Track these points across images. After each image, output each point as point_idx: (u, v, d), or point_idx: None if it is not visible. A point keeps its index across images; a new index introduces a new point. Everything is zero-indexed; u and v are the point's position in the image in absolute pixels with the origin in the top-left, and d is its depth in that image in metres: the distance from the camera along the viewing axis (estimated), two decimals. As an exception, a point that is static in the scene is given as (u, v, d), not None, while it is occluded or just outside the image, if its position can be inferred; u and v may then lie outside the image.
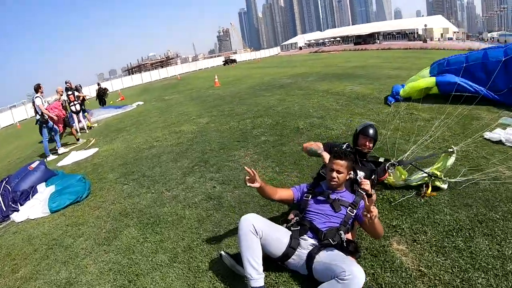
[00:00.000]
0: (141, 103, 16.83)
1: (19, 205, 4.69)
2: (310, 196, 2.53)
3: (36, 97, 7.75)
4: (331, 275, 1.92)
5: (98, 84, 19.59)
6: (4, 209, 4.58)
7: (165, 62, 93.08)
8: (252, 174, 2.28)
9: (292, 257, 2.24)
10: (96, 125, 12.12)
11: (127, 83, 48.88)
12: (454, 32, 68.03)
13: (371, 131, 3.15)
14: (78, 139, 9.18)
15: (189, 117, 9.28)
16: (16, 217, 4.46)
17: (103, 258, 3.03)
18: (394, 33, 70.05)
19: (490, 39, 57.26)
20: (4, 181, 5.04)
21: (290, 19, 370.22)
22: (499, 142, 4.44)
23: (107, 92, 18.04)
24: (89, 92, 22.78)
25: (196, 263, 2.68)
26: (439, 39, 59.63)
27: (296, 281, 2.28)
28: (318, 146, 3.15)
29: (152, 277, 2.60)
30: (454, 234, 2.60)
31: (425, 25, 64.26)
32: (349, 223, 2.39)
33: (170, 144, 6.64)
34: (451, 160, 3.35)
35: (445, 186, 3.33)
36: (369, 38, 66.92)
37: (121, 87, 43.21)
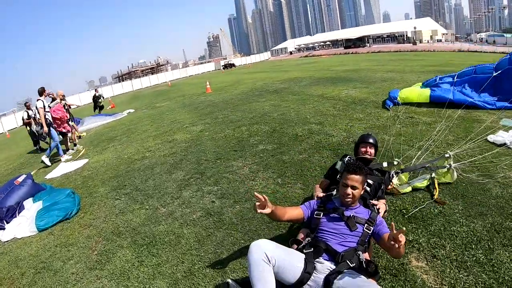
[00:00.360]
0: (132, 110, 16.53)
1: (5, 222, 4.41)
2: (322, 213, 2.33)
3: (38, 99, 7.53)
4: None
5: (96, 90, 19.68)
6: (-10, 227, 4.30)
7: (155, 68, 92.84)
8: (263, 200, 2.06)
9: (308, 282, 2.02)
10: (84, 134, 11.80)
11: (118, 91, 48.39)
12: (443, 34, 69.32)
13: (369, 137, 3.24)
14: (68, 149, 8.85)
15: (182, 125, 9.03)
16: (2, 236, 4.21)
17: (96, 284, 2.78)
18: (384, 36, 71.02)
19: (479, 40, 58.38)
20: (-11, 197, 4.75)
21: (280, 24, 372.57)
22: (503, 145, 4.33)
23: (99, 99, 18.05)
24: (79, 99, 22.45)
25: (199, 291, 2.44)
26: (428, 41, 60.62)
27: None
28: (317, 190, 2.99)
29: (150, 308, 2.36)
30: (473, 246, 2.48)
31: (415, 28, 65.28)
32: (366, 241, 2.20)
33: (163, 154, 6.39)
34: (454, 176, 3.43)
35: (454, 176, 3.40)
36: (359, 41, 67.71)
37: (111, 94, 42.69)
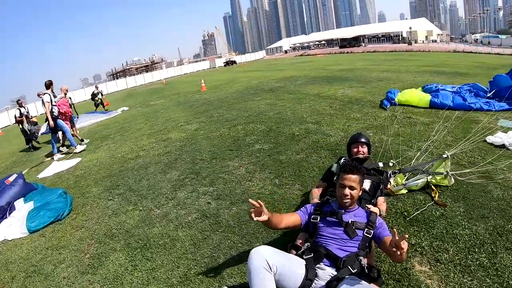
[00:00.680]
0: (126, 108, 16.33)
1: (-5, 223, 4.27)
2: (319, 217, 2.24)
3: (45, 93, 7.37)
4: None
5: (96, 87, 19.38)
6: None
7: (150, 66, 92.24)
8: (259, 206, 1.95)
9: None
10: (77, 132, 11.60)
11: (112, 88, 47.93)
12: (438, 35, 69.84)
13: (360, 136, 3.21)
14: (64, 145, 8.68)
15: (177, 123, 8.90)
16: (-8, 237, 4.06)
17: (88, 290, 2.67)
18: (379, 36, 71.30)
19: (474, 41, 58.90)
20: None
21: (275, 23, 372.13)
22: (502, 146, 4.30)
23: (96, 96, 17.85)
24: (73, 97, 22.15)
25: (195, 297, 2.35)
26: (423, 41, 61.01)
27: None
28: (313, 196, 2.91)
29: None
30: (476, 250, 2.44)
31: (410, 28, 65.63)
32: (367, 245, 2.13)
33: (158, 153, 6.26)
34: (452, 181, 3.38)
35: (451, 180, 3.36)
36: (354, 41, 67.92)
37: (105, 92, 42.24)
